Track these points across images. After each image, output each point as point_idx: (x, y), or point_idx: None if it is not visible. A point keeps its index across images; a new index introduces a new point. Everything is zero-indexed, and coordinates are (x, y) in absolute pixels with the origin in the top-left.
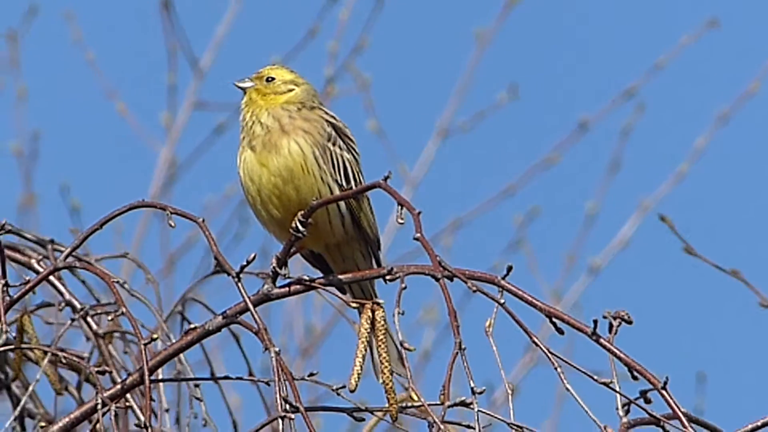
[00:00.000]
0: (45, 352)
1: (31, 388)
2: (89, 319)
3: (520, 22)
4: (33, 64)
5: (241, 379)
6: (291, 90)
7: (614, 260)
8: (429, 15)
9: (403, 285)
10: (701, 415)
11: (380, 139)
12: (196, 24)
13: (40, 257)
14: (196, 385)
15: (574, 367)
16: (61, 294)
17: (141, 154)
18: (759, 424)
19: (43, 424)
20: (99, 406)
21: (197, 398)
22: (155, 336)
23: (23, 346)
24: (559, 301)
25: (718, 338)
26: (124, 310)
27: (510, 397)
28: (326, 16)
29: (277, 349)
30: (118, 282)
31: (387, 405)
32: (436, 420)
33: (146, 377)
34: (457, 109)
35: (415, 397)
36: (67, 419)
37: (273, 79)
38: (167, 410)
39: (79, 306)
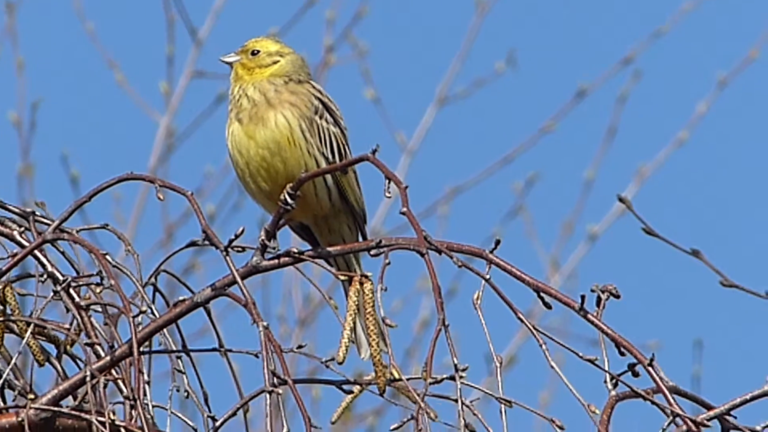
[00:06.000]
0: (28, 324)
1: (14, 360)
2: (70, 290)
3: None
4: (32, 34)
5: (231, 351)
6: (276, 62)
7: (612, 227)
8: None
9: (387, 261)
10: (698, 382)
11: (378, 107)
12: None
13: (22, 229)
14: (178, 357)
15: (560, 344)
16: (43, 266)
17: (140, 124)
18: (748, 397)
19: (32, 396)
20: (88, 378)
21: (179, 371)
22: (144, 309)
23: (6, 317)
24: (558, 269)
25: (714, 300)
26: (113, 282)
27: (498, 370)
28: None
29: (264, 324)
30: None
31: (375, 377)
32: (418, 399)
33: (135, 349)
34: (455, 76)
35: (396, 375)
36: (55, 391)
37: (258, 52)
38: (147, 383)
39: (61, 278)
